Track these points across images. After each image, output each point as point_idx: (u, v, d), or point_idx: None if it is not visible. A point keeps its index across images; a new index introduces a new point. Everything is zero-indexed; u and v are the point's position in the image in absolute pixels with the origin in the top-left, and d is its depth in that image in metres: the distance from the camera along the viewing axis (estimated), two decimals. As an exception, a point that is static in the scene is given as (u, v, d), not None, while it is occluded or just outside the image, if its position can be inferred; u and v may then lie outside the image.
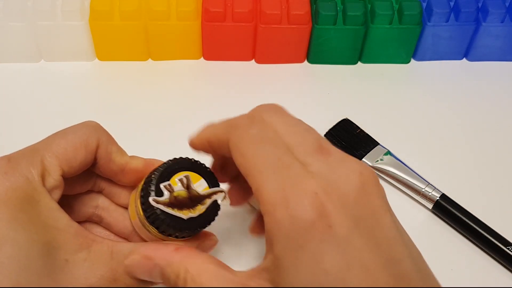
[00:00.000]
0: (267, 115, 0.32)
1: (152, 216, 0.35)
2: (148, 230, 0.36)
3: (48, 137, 0.35)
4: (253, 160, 0.30)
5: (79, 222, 0.39)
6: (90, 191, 0.39)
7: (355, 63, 0.58)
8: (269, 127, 0.31)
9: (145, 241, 0.37)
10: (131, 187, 0.38)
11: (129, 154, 0.38)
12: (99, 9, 0.53)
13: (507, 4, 0.56)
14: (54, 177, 0.34)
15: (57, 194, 0.34)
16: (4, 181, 0.32)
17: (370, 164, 0.50)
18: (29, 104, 0.54)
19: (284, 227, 0.28)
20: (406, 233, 0.30)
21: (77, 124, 0.37)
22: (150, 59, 0.58)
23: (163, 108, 0.54)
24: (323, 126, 0.52)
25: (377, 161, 0.50)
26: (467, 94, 0.57)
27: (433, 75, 0.58)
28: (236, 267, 0.45)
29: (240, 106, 0.55)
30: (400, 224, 0.30)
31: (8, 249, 0.31)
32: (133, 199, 0.37)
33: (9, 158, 0.33)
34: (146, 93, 0.55)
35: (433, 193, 0.47)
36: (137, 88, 0.55)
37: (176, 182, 0.35)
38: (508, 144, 0.53)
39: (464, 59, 0.59)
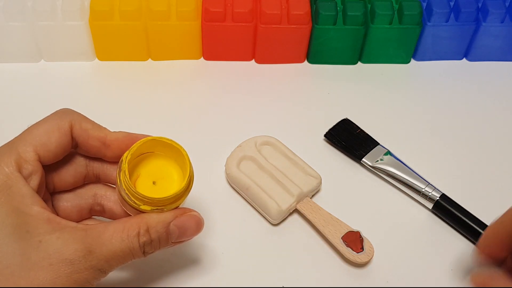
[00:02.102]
0: None
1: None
2: (127, 202, 0.37)
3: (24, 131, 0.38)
4: None
5: (85, 219, 0.40)
6: (87, 184, 0.41)
7: (355, 63, 0.58)
8: None
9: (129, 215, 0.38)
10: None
11: None
12: (99, 9, 0.53)
13: (507, 4, 0.56)
14: (30, 163, 0.36)
15: (36, 180, 0.36)
16: None
17: (370, 164, 0.50)
18: (29, 104, 0.54)
19: None
20: None
21: (50, 114, 0.38)
22: (150, 59, 0.58)
23: (163, 108, 0.54)
24: (323, 126, 0.52)
25: (377, 161, 0.50)
26: (467, 94, 0.57)
27: (433, 75, 0.58)
28: (236, 267, 0.45)
29: (240, 106, 0.56)
30: None
31: None
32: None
33: None
34: (146, 93, 0.55)
35: (433, 193, 0.47)
36: (137, 88, 0.55)
37: None
38: (508, 144, 0.53)
39: (464, 59, 0.59)
